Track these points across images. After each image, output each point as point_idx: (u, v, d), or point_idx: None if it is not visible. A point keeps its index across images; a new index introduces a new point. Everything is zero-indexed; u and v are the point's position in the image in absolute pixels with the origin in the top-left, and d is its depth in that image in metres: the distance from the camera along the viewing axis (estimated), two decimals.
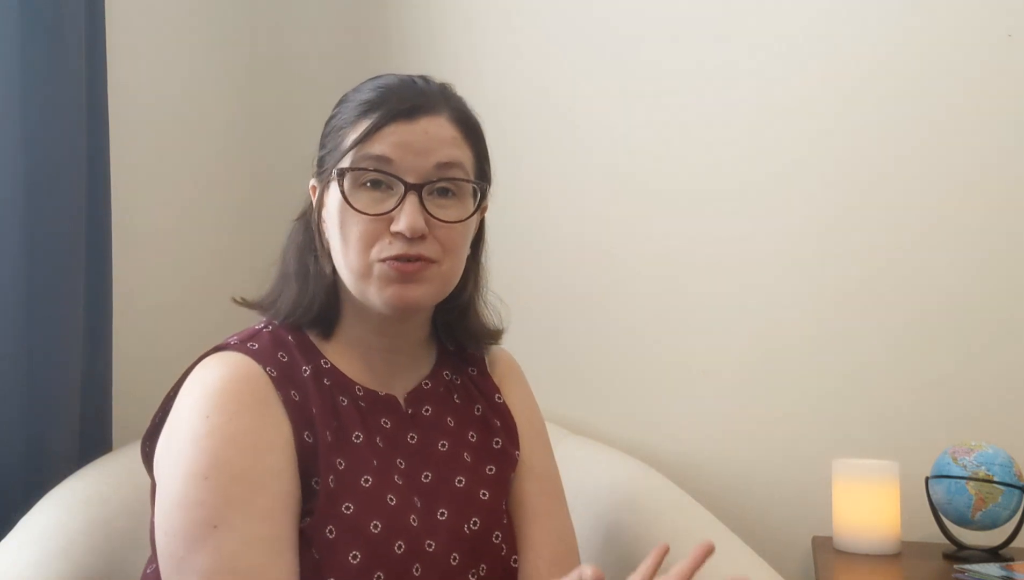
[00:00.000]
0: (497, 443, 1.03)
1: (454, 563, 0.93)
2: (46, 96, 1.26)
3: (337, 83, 1.08)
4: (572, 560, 1.04)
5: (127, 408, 1.45)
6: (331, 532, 0.86)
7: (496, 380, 1.09)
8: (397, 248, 0.90)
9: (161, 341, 1.59)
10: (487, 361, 1.10)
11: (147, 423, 0.95)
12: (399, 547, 0.89)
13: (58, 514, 1.14)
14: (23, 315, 1.24)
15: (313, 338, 0.97)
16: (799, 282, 1.57)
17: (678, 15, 1.65)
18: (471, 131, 0.97)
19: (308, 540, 0.86)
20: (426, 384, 1.02)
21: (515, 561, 1.00)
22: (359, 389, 0.96)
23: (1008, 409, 1.45)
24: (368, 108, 0.92)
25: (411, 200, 0.90)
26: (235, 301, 1.02)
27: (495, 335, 1.08)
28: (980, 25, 1.48)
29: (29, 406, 1.25)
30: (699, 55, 1.63)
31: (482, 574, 0.95)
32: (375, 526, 0.88)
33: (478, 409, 1.04)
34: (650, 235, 1.65)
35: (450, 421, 1.01)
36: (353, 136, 0.92)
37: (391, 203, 0.91)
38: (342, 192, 0.91)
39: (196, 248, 1.72)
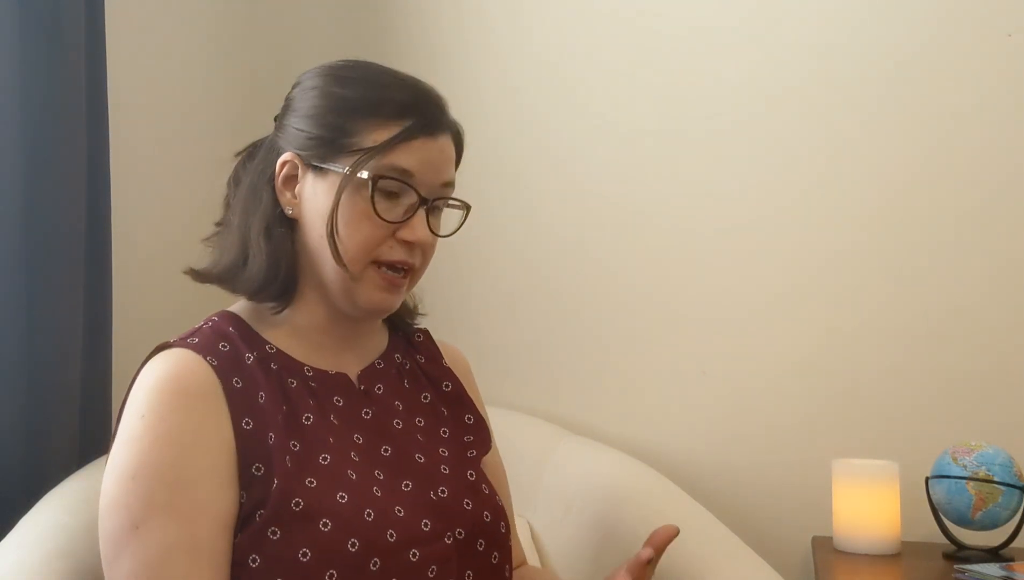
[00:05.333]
0: (445, 433, 1.03)
1: (426, 528, 0.91)
2: (46, 96, 1.26)
3: None
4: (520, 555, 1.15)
5: None
6: (297, 505, 0.85)
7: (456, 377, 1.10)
8: (398, 254, 0.95)
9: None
10: (444, 358, 1.11)
11: None
12: (368, 515, 0.88)
13: (58, 514, 1.14)
14: (23, 316, 1.24)
15: (256, 326, 0.97)
16: (798, 281, 1.57)
17: (686, 9, 1.65)
18: (459, 153, 1.02)
19: (277, 518, 0.84)
20: (379, 364, 1.03)
21: (504, 527, 0.99)
22: (308, 370, 0.96)
23: (1008, 409, 1.45)
24: (399, 111, 0.93)
25: (420, 213, 0.95)
26: (187, 273, 1.00)
27: (415, 310, 1.11)
28: (980, 25, 1.48)
29: (29, 406, 1.25)
30: (695, 56, 1.64)
31: (459, 538, 0.93)
32: (341, 497, 0.88)
33: (426, 397, 1.05)
34: (649, 234, 1.66)
35: (398, 405, 1.02)
36: (381, 134, 0.92)
37: (399, 211, 0.94)
38: (372, 200, 0.92)
39: (196, 248, 1.71)
